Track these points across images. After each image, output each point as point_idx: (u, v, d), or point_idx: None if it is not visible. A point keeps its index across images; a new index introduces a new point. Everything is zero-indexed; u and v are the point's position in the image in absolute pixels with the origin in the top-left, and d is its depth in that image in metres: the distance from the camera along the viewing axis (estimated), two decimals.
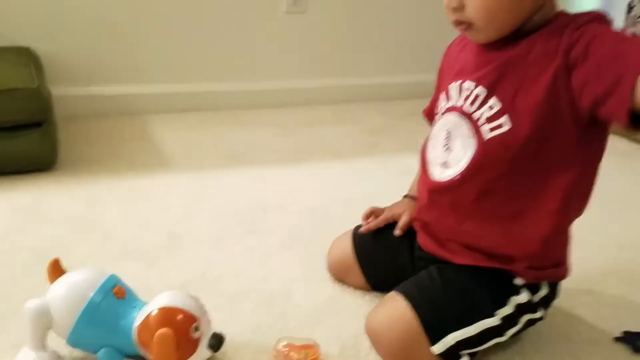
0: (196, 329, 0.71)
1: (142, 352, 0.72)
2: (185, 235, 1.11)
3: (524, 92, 0.70)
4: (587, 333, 0.88)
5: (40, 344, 0.73)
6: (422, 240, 0.85)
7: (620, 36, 0.66)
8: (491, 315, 0.75)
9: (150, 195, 1.28)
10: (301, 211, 1.23)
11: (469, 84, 0.76)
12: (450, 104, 0.79)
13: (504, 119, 0.72)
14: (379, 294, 0.91)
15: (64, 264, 0.77)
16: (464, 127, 0.75)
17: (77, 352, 0.76)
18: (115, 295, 0.73)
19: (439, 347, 0.73)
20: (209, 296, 0.78)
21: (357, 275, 0.94)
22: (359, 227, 0.95)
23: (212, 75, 1.92)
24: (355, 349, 0.81)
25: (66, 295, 0.72)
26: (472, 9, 0.70)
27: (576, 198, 0.75)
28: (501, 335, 0.76)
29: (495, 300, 0.76)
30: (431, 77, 0.91)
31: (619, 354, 0.84)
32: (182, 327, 0.70)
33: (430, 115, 0.89)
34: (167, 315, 0.70)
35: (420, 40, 2.08)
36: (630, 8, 1.71)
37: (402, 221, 0.90)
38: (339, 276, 0.97)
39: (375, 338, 0.78)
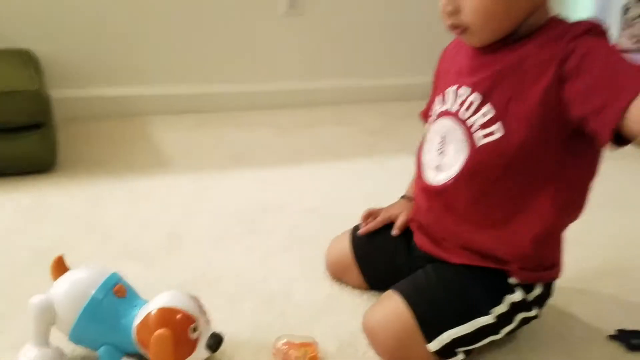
0: (194, 329, 0.72)
1: (142, 350, 0.73)
2: (185, 236, 1.12)
3: (518, 100, 0.72)
4: (582, 331, 0.89)
5: (44, 340, 0.73)
6: (419, 240, 0.86)
7: (612, 58, 0.66)
8: (486, 313, 0.76)
9: (150, 196, 1.29)
10: (301, 211, 1.24)
11: (464, 90, 0.77)
12: (445, 108, 0.80)
13: (497, 126, 0.73)
14: (376, 293, 0.92)
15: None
16: (458, 132, 0.77)
17: (79, 350, 0.77)
18: (115, 294, 0.74)
19: (434, 345, 0.75)
20: (208, 296, 0.79)
21: (355, 275, 0.95)
22: (357, 227, 0.97)
23: (212, 77, 1.93)
24: (353, 347, 0.82)
25: (69, 292, 0.73)
26: (468, 13, 0.71)
27: (569, 205, 0.76)
28: (496, 333, 0.77)
29: (490, 299, 0.77)
30: (429, 79, 0.92)
31: (613, 352, 0.85)
32: (180, 327, 0.71)
33: (427, 116, 0.90)
34: (166, 316, 0.71)
35: (418, 42, 2.09)
36: (626, 10, 1.72)
37: (400, 221, 0.91)
38: (337, 275, 0.98)
39: (372, 336, 0.79)
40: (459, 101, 0.77)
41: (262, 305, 0.91)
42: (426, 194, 0.83)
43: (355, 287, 0.96)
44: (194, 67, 1.90)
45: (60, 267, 0.77)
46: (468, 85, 0.76)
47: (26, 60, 1.53)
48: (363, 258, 0.94)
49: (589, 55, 0.66)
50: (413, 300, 0.76)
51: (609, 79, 0.64)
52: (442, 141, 0.80)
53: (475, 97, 0.75)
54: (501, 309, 0.77)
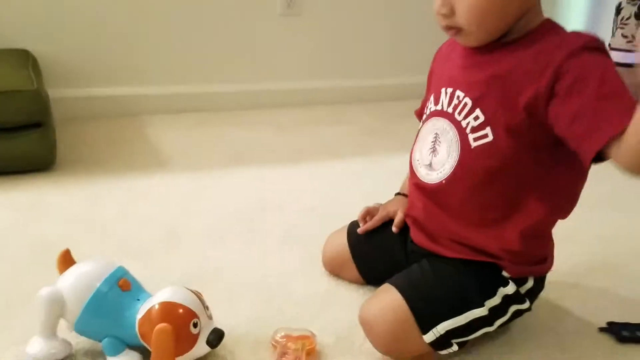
0: (195, 324, 0.73)
1: (145, 343, 0.74)
2: (184, 234, 1.13)
3: (506, 107, 0.73)
4: (573, 324, 0.91)
5: (52, 332, 0.74)
6: (415, 235, 0.88)
7: (605, 85, 0.67)
8: (480, 305, 0.77)
9: (149, 195, 1.30)
10: (299, 210, 1.25)
11: (458, 93, 0.78)
12: (439, 108, 0.82)
13: (487, 130, 0.75)
14: (372, 288, 0.93)
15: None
16: (451, 134, 0.79)
17: (84, 343, 0.78)
18: (120, 287, 0.75)
19: (429, 337, 0.76)
20: (207, 293, 0.79)
21: (352, 270, 0.96)
22: (353, 223, 0.98)
23: (211, 76, 1.94)
24: (350, 339, 0.83)
25: (74, 284, 0.74)
26: (462, 14, 0.73)
27: (558, 206, 0.79)
28: (490, 325, 0.79)
29: (484, 291, 0.78)
30: (425, 79, 0.93)
31: (603, 344, 0.86)
32: (181, 322, 0.71)
33: (421, 115, 0.92)
34: (168, 310, 0.72)
35: (417, 41, 2.10)
36: (618, 10, 1.74)
37: (398, 218, 0.92)
38: (334, 271, 0.99)
39: (368, 328, 0.80)
40: (454, 103, 0.79)
41: (260, 299, 0.92)
42: (419, 191, 0.85)
43: (352, 282, 0.97)
44: (192, 67, 1.91)
45: (66, 261, 0.78)
46: (461, 87, 0.78)
47: (25, 60, 1.54)
48: (360, 254, 0.95)
49: (582, 80, 0.67)
50: (408, 294, 0.78)
51: (596, 110, 0.66)
52: (434, 141, 0.81)
53: (468, 101, 0.77)
54: (494, 301, 0.78)
